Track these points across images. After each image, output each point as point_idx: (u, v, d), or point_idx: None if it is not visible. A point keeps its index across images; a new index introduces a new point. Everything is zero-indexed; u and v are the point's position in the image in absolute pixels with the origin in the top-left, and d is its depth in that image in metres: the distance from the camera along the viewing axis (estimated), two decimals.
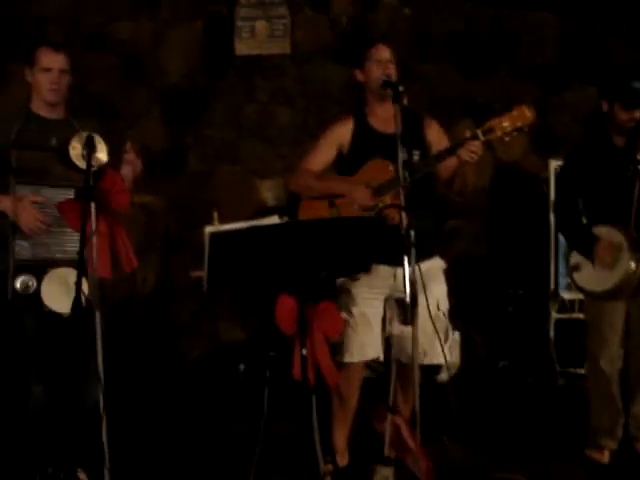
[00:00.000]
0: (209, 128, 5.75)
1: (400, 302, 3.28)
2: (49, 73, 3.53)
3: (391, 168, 3.51)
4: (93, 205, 3.18)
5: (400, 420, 3.35)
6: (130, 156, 3.59)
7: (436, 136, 3.74)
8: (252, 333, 5.56)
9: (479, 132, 3.43)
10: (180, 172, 5.74)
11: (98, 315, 3.26)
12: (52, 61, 3.54)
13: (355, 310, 3.64)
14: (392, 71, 3.62)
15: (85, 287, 3.35)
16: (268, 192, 5.81)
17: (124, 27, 5.64)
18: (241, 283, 3.17)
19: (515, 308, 5.36)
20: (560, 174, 4.36)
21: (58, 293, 3.34)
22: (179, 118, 5.72)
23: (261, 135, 5.76)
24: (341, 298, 3.68)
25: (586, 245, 3.92)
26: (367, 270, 3.35)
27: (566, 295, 5.28)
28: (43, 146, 3.48)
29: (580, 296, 4.30)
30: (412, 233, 3.18)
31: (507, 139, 3.43)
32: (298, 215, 3.73)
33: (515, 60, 5.71)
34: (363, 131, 3.70)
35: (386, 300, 3.68)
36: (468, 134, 3.44)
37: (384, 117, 3.65)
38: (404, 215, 3.22)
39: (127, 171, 3.55)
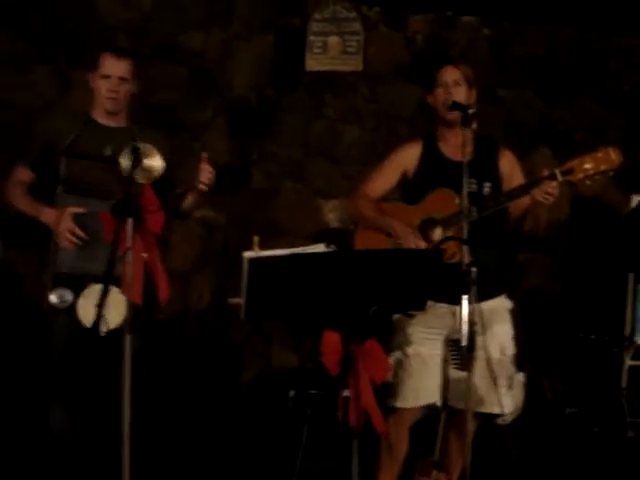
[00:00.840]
0: (275, 144, 5.57)
1: (456, 344, 3.05)
2: (108, 80, 3.44)
3: (457, 201, 3.28)
4: (130, 221, 2.99)
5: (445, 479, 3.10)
6: (206, 167, 3.52)
7: (510, 168, 3.49)
8: (304, 360, 5.36)
9: (557, 172, 3.17)
10: (243, 188, 5.58)
11: (128, 339, 3.07)
12: (112, 68, 3.43)
13: (410, 350, 3.41)
14: (460, 94, 3.39)
15: (123, 307, 3.20)
16: (332, 213, 5.61)
17: (194, 38, 5.50)
18: (282, 314, 2.97)
19: (586, 352, 5.03)
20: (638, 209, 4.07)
21: (95, 310, 3.15)
22: (245, 132, 5.56)
23: (328, 154, 5.57)
24: (396, 337, 3.45)
25: None
26: (422, 308, 3.08)
27: None
28: (96, 155, 3.37)
29: None
30: (474, 270, 2.95)
31: (588, 182, 3.17)
32: (354, 242, 3.53)
33: (600, 87, 5.39)
34: (431, 156, 3.49)
35: (445, 341, 3.44)
36: (546, 172, 3.19)
37: (455, 143, 3.41)
38: (465, 250, 2.99)
39: (203, 179, 3.48)
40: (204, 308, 5.56)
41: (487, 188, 3.40)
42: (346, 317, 2.85)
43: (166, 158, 3.20)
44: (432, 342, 3.41)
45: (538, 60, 5.40)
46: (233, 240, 5.62)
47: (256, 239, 3.10)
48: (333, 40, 5.51)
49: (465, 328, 2.94)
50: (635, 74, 5.37)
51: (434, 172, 3.44)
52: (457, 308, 3.20)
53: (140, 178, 3.14)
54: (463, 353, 2.94)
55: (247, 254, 2.91)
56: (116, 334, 3.09)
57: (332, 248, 3.32)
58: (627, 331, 4.98)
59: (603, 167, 3.15)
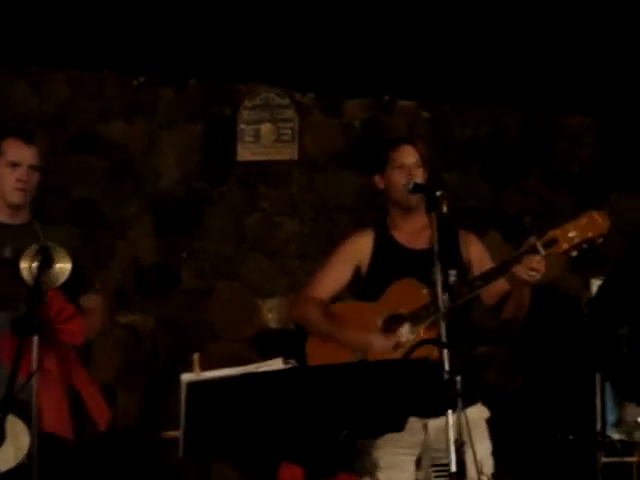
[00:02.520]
0: (206, 240, 5.15)
1: (443, 469, 2.60)
2: (17, 168, 2.98)
3: (425, 291, 2.91)
4: (36, 339, 2.57)
5: None
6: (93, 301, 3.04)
7: (474, 251, 3.13)
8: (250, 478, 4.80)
9: (539, 244, 2.83)
10: (172, 289, 5.11)
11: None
12: (22, 155, 2.99)
13: (381, 476, 2.93)
14: (419, 177, 3.04)
15: (25, 440, 2.72)
16: (271, 313, 5.16)
17: (115, 128, 5.13)
18: (231, 450, 2.45)
19: (558, 452, 4.62)
20: (599, 294, 3.76)
21: None
22: (173, 229, 5.14)
23: (264, 249, 5.17)
24: (360, 461, 2.98)
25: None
26: (401, 429, 2.56)
27: (615, 435, 4.56)
28: None
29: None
30: (458, 379, 2.53)
31: (574, 254, 2.83)
32: (307, 351, 3.04)
33: (547, 168, 5.19)
34: (386, 246, 3.11)
35: (418, 461, 2.98)
36: (525, 247, 2.84)
37: (410, 230, 3.09)
38: (446, 354, 2.56)
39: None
40: (132, 425, 4.97)
41: (452, 277, 3.01)
42: (310, 447, 2.38)
43: (77, 254, 2.84)
44: (404, 464, 2.96)
45: (482, 142, 5.20)
46: (163, 347, 5.13)
47: (196, 357, 2.60)
48: (266, 128, 5.20)
49: (453, 452, 2.49)
50: (583, 154, 5.20)
51: (392, 263, 3.06)
52: (430, 421, 2.88)
53: (46, 283, 2.73)
54: None
55: (185, 377, 2.42)
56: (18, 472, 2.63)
57: (291, 363, 2.83)
58: (598, 427, 4.62)
59: (590, 234, 2.82)
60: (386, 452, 2.93)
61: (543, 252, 2.82)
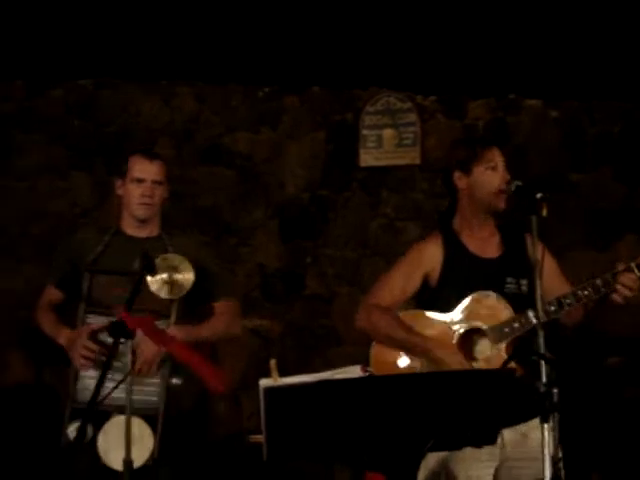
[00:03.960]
0: (329, 246, 5.18)
1: None
2: (141, 184, 3.11)
3: (504, 306, 2.78)
4: (130, 343, 2.75)
5: None
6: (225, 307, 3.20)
7: (547, 260, 2.93)
8: None
9: (633, 265, 2.68)
10: (297, 294, 5.18)
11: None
12: (145, 171, 3.13)
13: None
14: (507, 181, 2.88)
15: (150, 441, 2.86)
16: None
17: (241, 138, 5.26)
18: (313, 454, 2.38)
19: None
20: None
21: (117, 446, 2.77)
22: (297, 235, 5.21)
23: (386, 254, 5.10)
24: (432, 475, 2.84)
25: None
26: (494, 441, 2.42)
27: None
28: (121, 270, 3.04)
29: None
30: (555, 391, 2.40)
31: None
32: (370, 361, 2.93)
33: None
34: (457, 254, 2.93)
35: (497, 471, 2.84)
36: (620, 266, 2.70)
37: (479, 237, 2.93)
38: (543, 366, 2.42)
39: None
40: (254, 428, 5.06)
41: (524, 286, 2.85)
42: (392, 456, 2.32)
43: (205, 262, 3.05)
44: (484, 476, 2.81)
45: (613, 140, 4.90)
46: (289, 351, 5.21)
47: (273, 363, 2.58)
48: (388, 133, 5.16)
49: (548, 465, 2.37)
50: None
51: (464, 273, 2.89)
52: (505, 432, 2.74)
53: (167, 294, 2.93)
54: None
55: (263, 382, 2.41)
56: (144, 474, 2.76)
57: (370, 372, 2.77)
58: None
59: None
60: (467, 465, 2.78)
61: (638, 273, 2.67)
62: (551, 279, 2.82)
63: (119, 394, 2.77)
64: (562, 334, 2.88)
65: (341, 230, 5.20)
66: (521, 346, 2.74)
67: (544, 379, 2.42)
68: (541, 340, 2.50)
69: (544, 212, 2.63)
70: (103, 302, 3.03)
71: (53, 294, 3.21)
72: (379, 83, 5.18)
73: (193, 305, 3.13)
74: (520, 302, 2.77)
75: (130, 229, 3.17)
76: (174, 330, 2.97)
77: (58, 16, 4.73)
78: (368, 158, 5.20)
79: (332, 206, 5.21)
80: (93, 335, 2.98)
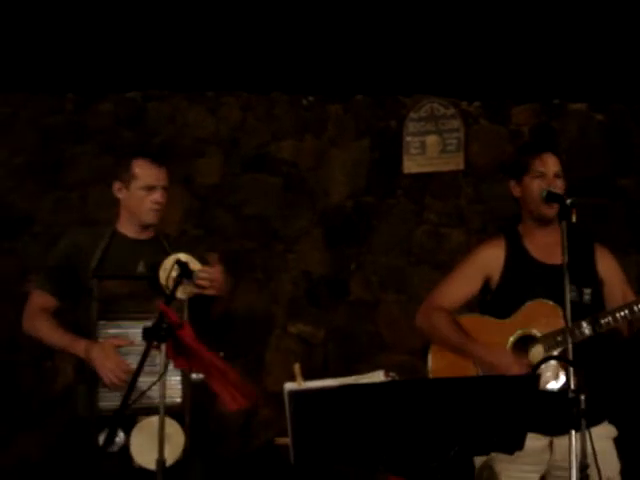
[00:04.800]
0: (374, 253, 5.20)
1: None
2: (153, 192, 3.10)
3: (561, 314, 2.75)
4: (163, 347, 2.70)
5: None
6: (208, 273, 3.02)
7: (609, 268, 2.96)
8: None
9: None
10: (341, 300, 5.20)
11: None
12: (156, 178, 3.11)
13: None
14: (559, 188, 2.91)
15: (180, 438, 2.91)
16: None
17: (286, 146, 5.32)
18: (339, 458, 2.42)
19: None
20: None
21: (149, 446, 2.82)
22: (342, 241, 5.24)
23: (432, 261, 5.12)
24: (481, 475, 2.89)
25: None
26: (521, 447, 2.44)
27: None
28: (128, 273, 3.05)
29: None
30: (582, 398, 2.41)
31: None
32: (429, 364, 3.00)
33: None
34: (519, 259, 2.97)
35: (543, 478, 2.85)
36: None
37: (544, 243, 2.95)
38: (572, 373, 2.46)
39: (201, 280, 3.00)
40: None
41: (587, 295, 2.88)
42: (417, 461, 2.35)
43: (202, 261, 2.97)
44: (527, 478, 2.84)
45: None
46: (333, 357, 5.24)
47: (297, 367, 2.63)
48: (431, 139, 5.17)
49: (574, 473, 2.38)
50: None
51: (524, 279, 2.93)
52: (555, 440, 2.79)
53: (181, 294, 2.92)
54: None
55: (288, 385, 2.46)
56: (178, 469, 2.81)
57: (393, 376, 2.81)
58: None
59: None
60: (508, 468, 2.83)
61: None
62: (615, 288, 2.83)
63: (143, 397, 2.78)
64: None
65: (385, 237, 5.21)
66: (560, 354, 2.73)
67: (572, 386, 2.43)
68: (570, 347, 2.51)
69: (573, 218, 2.65)
70: (112, 308, 2.99)
71: (45, 300, 3.10)
72: (422, 90, 5.19)
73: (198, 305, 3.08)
74: (582, 311, 2.77)
75: (131, 232, 3.15)
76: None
77: (106, 31, 4.86)
78: (412, 165, 5.21)
79: (376, 213, 5.23)
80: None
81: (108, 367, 2.93)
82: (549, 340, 2.82)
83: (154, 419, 2.82)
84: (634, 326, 2.83)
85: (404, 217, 5.20)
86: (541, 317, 2.84)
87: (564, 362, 2.55)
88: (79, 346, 2.99)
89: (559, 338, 2.80)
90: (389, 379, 2.68)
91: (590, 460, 2.43)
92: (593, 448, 2.44)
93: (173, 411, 2.93)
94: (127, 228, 3.16)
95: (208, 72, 5.14)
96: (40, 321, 3.08)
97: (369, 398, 2.32)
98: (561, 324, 2.76)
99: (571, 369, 2.49)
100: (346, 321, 5.19)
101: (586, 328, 2.76)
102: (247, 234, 5.26)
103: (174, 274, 2.90)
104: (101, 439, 2.90)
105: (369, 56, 5.04)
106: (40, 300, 3.11)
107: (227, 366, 2.91)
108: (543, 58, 4.83)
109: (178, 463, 2.91)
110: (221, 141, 5.26)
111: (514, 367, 2.79)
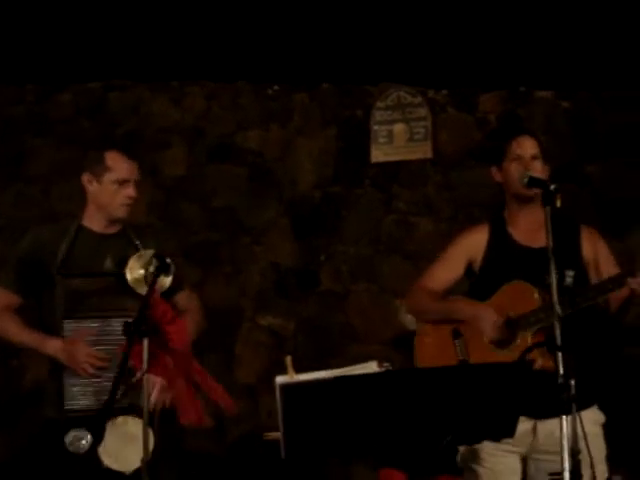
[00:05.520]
0: (343, 243, 5.16)
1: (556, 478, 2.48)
2: (126, 185, 3.00)
3: (537, 296, 2.81)
4: (145, 342, 2.62)
5: None
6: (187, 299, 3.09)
7: (594, 250, 2.96)
8: None
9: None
10: (311, 291, 5.16)
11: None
12: (130, 171, 3.03)
13: (480, 469, 2.83)
14: (537, 170, 2.91)
15: (150, 439, 2.78)
16: (409, 314, 5.09)
17: (252, 136, 5.26)
18: (330, 451, 2.41)
19: None
20: None
21: (119, 448, 2.78)
22: (310, 232, 5.19)
23: (401, 250, 5.11)
24: (462, 455, 2.89)
25: None
26: (511, 434, 2.44)
27: None
28: (94, 270, 2.95)
29: None
30: (572, 383, 2.41)
31: None
32: (415, 347, 3.06)
33: None
34: (501, 243, 3.00)
35: (524, 459, 2.86)
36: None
37: (527, 227, 2.96)
38: (560, 358, 2.44)
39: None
40: (274, 425, 5.06)
41: (569, 278, 2.87)
42: (410, 452, 2.32)
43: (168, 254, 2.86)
44: (508, 458, 2.85)
45: (625, 130, 4.87)
46: (304, 349, 5.20)
47: (289, 360, 2.59)
48: (399, 128, 5.15)
49: (566, 459, 2.36)
50: None
51: (505, 261, 2.96)
52: (539, 423, 2.81)
53: (158, 289, 2.82)
54: None
55: (279, 379, 2.41)
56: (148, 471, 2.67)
57: (387, 367, 2.80)
58: None
59: None
60: (491, 446, 2.81)
61: None
62: (600, 269, 2.85)
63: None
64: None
65: (354, 226, 5.18)
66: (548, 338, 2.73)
67: (561, 371, 2.43)
68: (558, 332, 2.51)
69: (558, 203, 2.66)
70: (78, 305, 2.92)
71: (8, 298, 3.03)
72: (389, 78, 5.16)
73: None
74: (563, 294, 2.73)
75: (98, 226, 3.04)
76: None
77: (65, 20, 4.73)
78: (379, 154, 5.18)
79: (344, 203, 5.19)
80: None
81: (79, 359, 2.87)
82: (523, 321, 2.83)
83: (122, 419, 2.78)
84: (619, 303, 2.85)
85: (372, 206, 5.17)
86: (517, 299, 2.86)
87: (552, 348, 2.54)
88: (48, 344, 2.92)
89: (532, 319, 2.82)
90: (383, 369, 2.66)
91: (582, 445, 2.43)
92: (584, 432, 2.44)
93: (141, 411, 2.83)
94: (93, 222, 3.05)
95: (171, 61, 5.03)
96: (6, 321, 3.00)
97: (363, 389, 2.29)
98: (536, 305, 2.81)
99: (559, 354, 2.49)
100: (316, 312, 5.16)
101: (559, 307, 2.75)
102: (213, 226, 5.19)
103: (151, 269, 2.82)
104: (67, 440, 2.82)
105: (334, 45, 4.98)
106: (4, 298, 3.03)
107: (206, 375, 2.88)
108: (509, 46, 4.83)
109: (148, 465, 2.80)
110: (185, 131, 5.17)
111: (494, 322, 2.84)
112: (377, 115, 5.19)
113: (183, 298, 3.12)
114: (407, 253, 5.12)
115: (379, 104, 5.19)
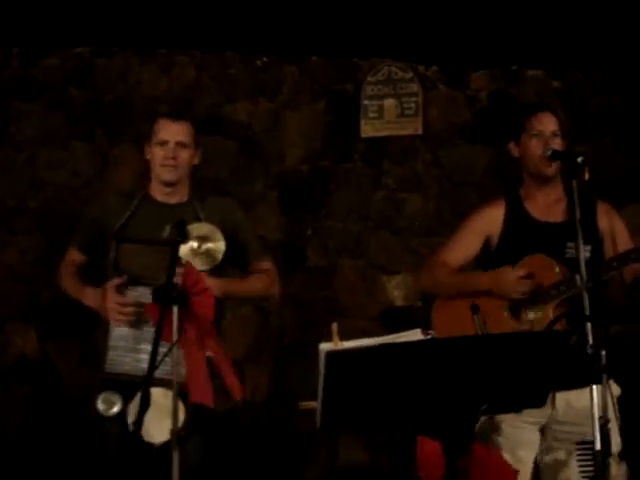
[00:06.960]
0: (331, 218, 5.14)
1: (587, 448, 2.52)
2: (165, 146, 3.03)
3: (557, 270, 2.84)
4: (175, 310, 2.63)
5: None
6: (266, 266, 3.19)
7: (610, 224, 3.00)
8: (377, 458, 4.76)
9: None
10: (298, 267, 5.13)
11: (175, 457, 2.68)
12: (169, 132, 3.05)
13: (499, 439, 2.87)
14: (557, 146, 2.94)
15: (181, 412, 2.79)
16: (396, 290, 5.10)
17: (241, 108, 5.18)
18: (369, 422, 2.43)
19: None
20: None
21: (148, 418, 2.69)
22: (298, 207, 5.16)
23: (389, 226, 5.10)
24: (481, 426, 2.90)
25: None
26: (543, 404, 2.47)
27: None
28: (150, 239, 2.96)
29: None
30: (603, 354, 2.44)
31: None
32: (432, 320, 3.06)
33: None
34: (518, 218, 3.02)
35: (542, 430, 2.90)
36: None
37: (544, 202, 3.00)
38: (590, 329, 2.47)
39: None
40: (261, 401, 5.04)
41: (587, 252, 2.88)
42: (448, 420, 2.31)
43: (239, 226, 3.04)
44: (525, 431, 2.89)
45: (615, 111, 4.93)
46: (290, 324, 5.17)
47: (335, 327, 2.56)
48: (389, 103, 5.12)
49: (597, 428, 2.40)
50: None
51: (523, 236, 2.98)
52: (558, 395, 2.80)
53: (199, 265, 2.85)
54: (598, 461, 2.39)
55: (324, 346, 2.37)
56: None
57: (431, 334, 2.80)
58: None
59: None
60: (511, 417, 2.85)
61: None
62: (615, 243, 2.85)
63: (144, 365, 2.72)
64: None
65: (342, 202, 5.15)
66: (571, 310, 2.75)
67: (591, 341, 2.45)
68: (586, 303, 2.53)
69: (586, 175, 2.68)
70: (131, 272, 2.95)
71: (76, 257, 3.18)
72: (380, 53, 5.12)
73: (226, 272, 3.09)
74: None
75: (159, 195, 3.08)
76: (210, 281, 2.88)
77: None
78: (369, 129, 5.15)
79: (333, 177, 5.15)
80: (119, 290, 2.94)
81: (109, 307, 2.92)
82: (544, 294, 2.86)
83: (154, 390, 2.70)
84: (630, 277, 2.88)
85: (361, 182, 5.15)
86: (538, 272, 2.88)
87: (582, 319, 2.56)
88: (85, 293, 3.05)
89: (553, 292, 2.85)
90: (428, 337, 2.65)
91: (610, 415, 2.46)
92: (613, 403, 2.48)
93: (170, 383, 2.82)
94: (156, 191, 3.10)
95: (160, 29, 4.92)
96: (64, 273, 3.17)
97: (408, 356, 2.27)
98: (555, 279, 2.84)
99: (589, 324, 2.51)
100: (303, 288, 5.12)
101: (579, 281, 2.78)
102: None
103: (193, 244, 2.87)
104: (99, 403, 2.88)
105: (326, 17, 4.92)
106: (71, 257, 3.21)
107: (222, 355, 2.86)
108: (501, 24, 4.83)
109: (177, 438, 2.79)
110: (174, 101, 5.06)
111: (515, 274, 2.85)
112: (367, 89, 5.15)
113: (258, 266, 3.19)
114: (395, 229, 5.12)
115: (370, 78, 5.15)
